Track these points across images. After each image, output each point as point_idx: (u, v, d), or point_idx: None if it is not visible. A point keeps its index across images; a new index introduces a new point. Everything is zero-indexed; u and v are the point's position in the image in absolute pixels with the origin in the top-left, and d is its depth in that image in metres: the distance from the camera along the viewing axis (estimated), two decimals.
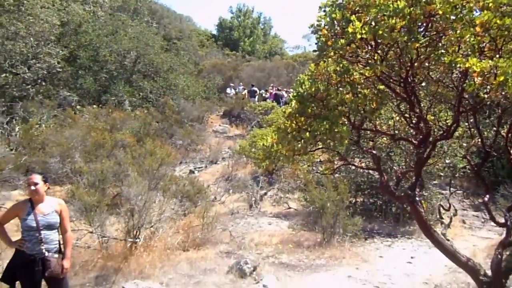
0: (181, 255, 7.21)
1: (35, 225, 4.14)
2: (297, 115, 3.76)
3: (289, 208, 10.77)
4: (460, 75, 3.66)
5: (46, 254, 4.16)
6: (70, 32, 21.24)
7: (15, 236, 4.34)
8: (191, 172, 14.47)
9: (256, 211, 10.68)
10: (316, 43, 3.72)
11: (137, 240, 6.87)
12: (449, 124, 4.23)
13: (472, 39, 3.22)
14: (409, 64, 3.59)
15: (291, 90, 20.48)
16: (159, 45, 24.31)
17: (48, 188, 4.44)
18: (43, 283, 4.27)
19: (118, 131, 14.78)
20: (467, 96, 3.81)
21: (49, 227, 4.23)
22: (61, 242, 4.38)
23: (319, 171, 9.69)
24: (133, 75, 21.78)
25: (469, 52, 3.32)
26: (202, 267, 6.77)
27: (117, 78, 20.91)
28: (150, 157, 9.22)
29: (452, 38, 3.33)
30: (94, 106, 18.23)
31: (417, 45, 3.30)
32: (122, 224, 7.16)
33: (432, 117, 4.38)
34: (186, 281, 6.24)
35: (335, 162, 4.95)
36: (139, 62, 22.21)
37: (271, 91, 24.08)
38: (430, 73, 3.82)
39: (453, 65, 3.23)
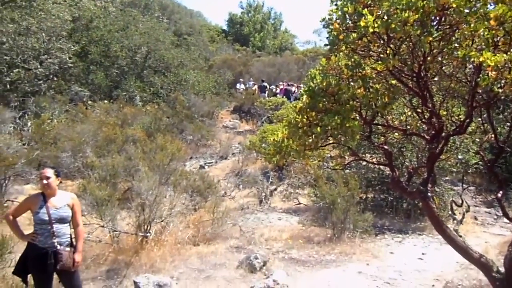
0: (191, 250, 7.24)
1: (47, 218, 4.17)
2: (308, 109, 3.74)
3: (299, 203, 10.76)
4: (473, 70, 3.61)
5: (58, 247, 4.18)
6: (81, 27, 21.40)
7: (27, 230, 4.38)
8: (201, 167, 14.51)
9: (266, 207, 10.69)
10: (327, 37, 3.68)
11: (148, 234, 6.91)
12: (462, 119, 4.18)
13: (486, 33, 3.16)
14: (421, 58, 3.55)
15: (302, 85, 20.49)
16: (169, 41, 24.41)
17: (60, 182, 4.46)
18: (55, 276, 4.31)
19: (129, 126, 14.89)
20: (480, 91, 3.75)
21: (61, 220, 4.25)
22: (73, 236, 4.41)
23: (329, 167, 9.67)
24: (144, 70, 21.89)
25: (483, 46, 3.26)
26: (212, 262, 6.80)
27: (128, 74, 21.04)
28: (161, 152, 9.26)
29: (466, 32, 3.28)
30: (105, 101, 18.39)
31: (430, 39, 3.25)
32: (133, 219, 7.21)
33: (445, 112, 4.32)
34: (196, 276, 6.27)
35: (346, 158, 4.92)
36: (150, 57, 22.30)
37: (281, 86, 24.03)
38: (443, 67, 3.77)
39: (467, 59, 3.18)
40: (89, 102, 18.18)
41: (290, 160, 9.20)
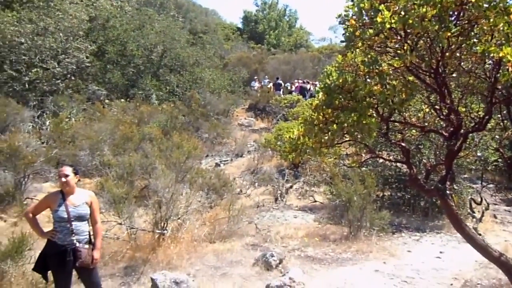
0: (207, 247, 7.28)
1: (66, 216, 4.22)
2: (324, 107, 3.72)
3: (315, 201, 10.72)
4: (493, 65, 3.55)
5: (77, 244, 4.23)
6: (98, 27, 21.62)
7: (46, 227, 4.45)
8: (217, 165, 14.56)
9: (282, 204, 10.67)
10: (343, 34, 3.65)
11: (165, 231, 6.96)
12: (481, 116, 4.11)
13: (506, 27, 3.10)
14: (440, 54, 3.50)
15: (317, 82, 20.42)
16: (185, 39, 24.53)
17: (79, 180, 4.51)
18: (74, 272, 4.37)
19: (145, 124, 15.01)
20: (500, 86, 3.70)
21: (80, 218, 4.31)
22: (91, 233, 4.46)
23: (345, 164, 9.62)
24: (159, 69, 22.03)
25: (503, 41, 3.20)
26: (228, 259, 6.82)
27: (144, 72, 21.21)
28: (177, 150, 9.32)
29: (485, 27, 3.22)
30: (122, 100, 18.57)
31: (449, 34, 3.20)
32: (150, 216, 7.27)
33: (464, 109, 4.26)
34: (212, 273, 6.30)
35: (363, 155, 4.89)
36: (166, 56, 22.43)
37: (297, 84, 23.97)
38: (462, 63, 3.71)
39: (486, 54, 3.13)
40: (106, 101, 18.38)
41: (306, 157, 9.16)
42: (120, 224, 6.98)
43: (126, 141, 12.29)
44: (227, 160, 15.60)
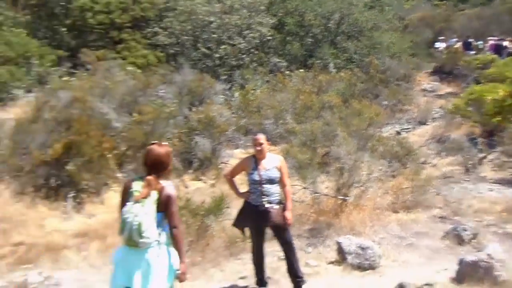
0: (390, 216, 7.15)
1: (258, 179, 4.60)
2: None
3: None
4: None
5: (267, 205, 4.56)
6: (278, 0, 22.38)
7: (241, 189, 4.90)
8: (398, 133, 13.96)
9: (474, 176, 9.73)
10: None
11: (347, 198, 7.02)
12: None
13: None
14: None
15: None
16: (363, 3, 23.71)
17: (269, 146, 4.87)
18: (269, 231, 4.75)
19: (324, 93, 15.16)
20: None
21: (270, 181, 4.63)
22: (282, 196, 4.74)
23: None
24: (337, 37, 21.85)
25: None
26: (414, 230, 6.65)
27: (322, 41, 21.31)
28: (357, 117, 9.22)
29: None
30: (301, 70, 19.01)
31: None
32: (332, 182, 7.41)
33: None
34: (397, 242, 6.20)
35: None
36: (343, 23, 22.09)
37: (491, 42, 21.22)
38: None
39: None
40: (287, 72, 19.07)
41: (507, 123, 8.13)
42: (305, 188, 7.28)
43: (307, 109, 12.63)
44: (409, 128, 14.85)
